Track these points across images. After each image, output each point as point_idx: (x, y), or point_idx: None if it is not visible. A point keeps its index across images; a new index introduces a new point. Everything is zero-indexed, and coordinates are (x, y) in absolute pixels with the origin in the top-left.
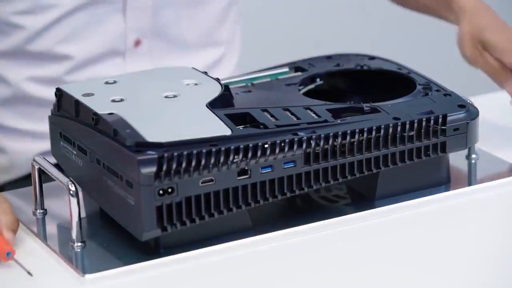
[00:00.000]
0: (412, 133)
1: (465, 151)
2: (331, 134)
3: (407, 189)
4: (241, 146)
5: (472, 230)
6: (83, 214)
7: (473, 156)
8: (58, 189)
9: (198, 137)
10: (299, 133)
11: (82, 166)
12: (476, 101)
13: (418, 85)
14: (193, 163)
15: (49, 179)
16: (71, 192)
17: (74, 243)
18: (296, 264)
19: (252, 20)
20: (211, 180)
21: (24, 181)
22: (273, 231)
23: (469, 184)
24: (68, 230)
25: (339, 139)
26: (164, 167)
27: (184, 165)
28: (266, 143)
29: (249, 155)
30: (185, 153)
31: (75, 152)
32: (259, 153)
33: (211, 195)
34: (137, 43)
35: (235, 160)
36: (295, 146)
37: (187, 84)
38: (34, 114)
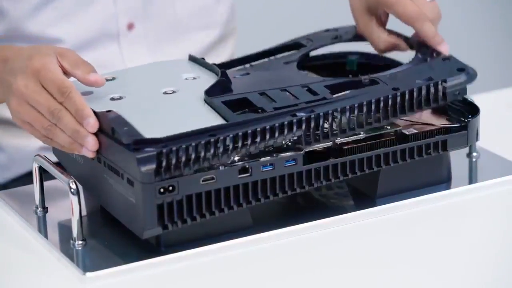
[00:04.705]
0: (413, 101)
1: (466, 149)
2: (330, 111)
3: (408, 188)
4: (240, 134)
5: (473, 228)
6: (84, 212)
7: (474, 154)
8: (59, 187)
9: (196, 129)
10: (297, 114)
11: (83, 164)
12: (477, 99)
13: (416, 54)
14: (193, 156)
15: (50, 177)
16: (72, 190)
17: (75, 241)
18: (297, 262)
19: (251, 17)
20: (212, 178)
21: (25, 179)
22: (274, 229)
23: (470, 182)
24: (69, 228)
25: (339, 116)
26: (164, 163)
27: (183, 159)
28: (265, 128)
29: (248, 141)
30: (183, 146)
31: None
32: (258, 139)
33: (212, 193)
34: (130, 26)
35: (235, 147)
36: (295, 128)
37: (186, 79)
38: None
